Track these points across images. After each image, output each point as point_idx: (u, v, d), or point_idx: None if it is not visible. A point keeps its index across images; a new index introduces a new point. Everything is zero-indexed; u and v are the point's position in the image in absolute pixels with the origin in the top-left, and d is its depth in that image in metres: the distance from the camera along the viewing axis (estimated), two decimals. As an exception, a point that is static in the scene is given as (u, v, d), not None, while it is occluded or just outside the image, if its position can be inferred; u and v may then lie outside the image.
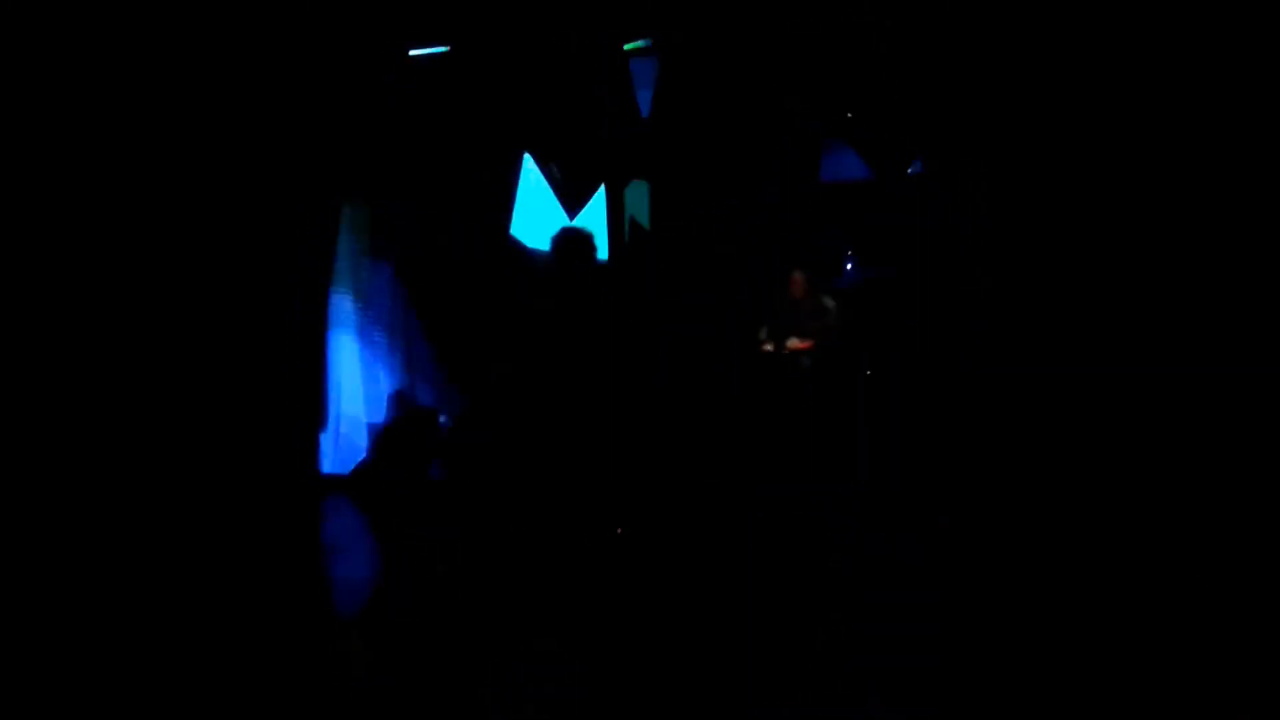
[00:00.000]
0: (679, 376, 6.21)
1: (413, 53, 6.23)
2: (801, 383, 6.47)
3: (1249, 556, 4.27)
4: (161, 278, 5.35)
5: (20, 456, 4.73)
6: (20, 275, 4.93)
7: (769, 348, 6.59)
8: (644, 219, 6.65)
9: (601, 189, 6.67)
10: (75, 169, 5.07)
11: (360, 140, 6.10)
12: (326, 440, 6.36)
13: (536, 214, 6.65)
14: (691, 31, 6.32)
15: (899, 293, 6.66)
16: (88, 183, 5.11)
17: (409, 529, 5.46)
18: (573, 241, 6.26)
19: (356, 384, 6.49)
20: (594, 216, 6.65)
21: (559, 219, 6.58)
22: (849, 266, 7.04)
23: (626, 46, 6.48)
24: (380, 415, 6.47)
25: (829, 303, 6.65)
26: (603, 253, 6.57)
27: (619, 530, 5.27)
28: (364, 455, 6.40)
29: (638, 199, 6.68)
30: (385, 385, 6.53)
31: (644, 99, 6.51)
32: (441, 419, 6.53)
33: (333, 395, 6.39)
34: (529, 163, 6.61)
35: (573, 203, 6.58)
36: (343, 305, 6.43)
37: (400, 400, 6.53)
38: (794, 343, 6.56)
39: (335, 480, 6.27)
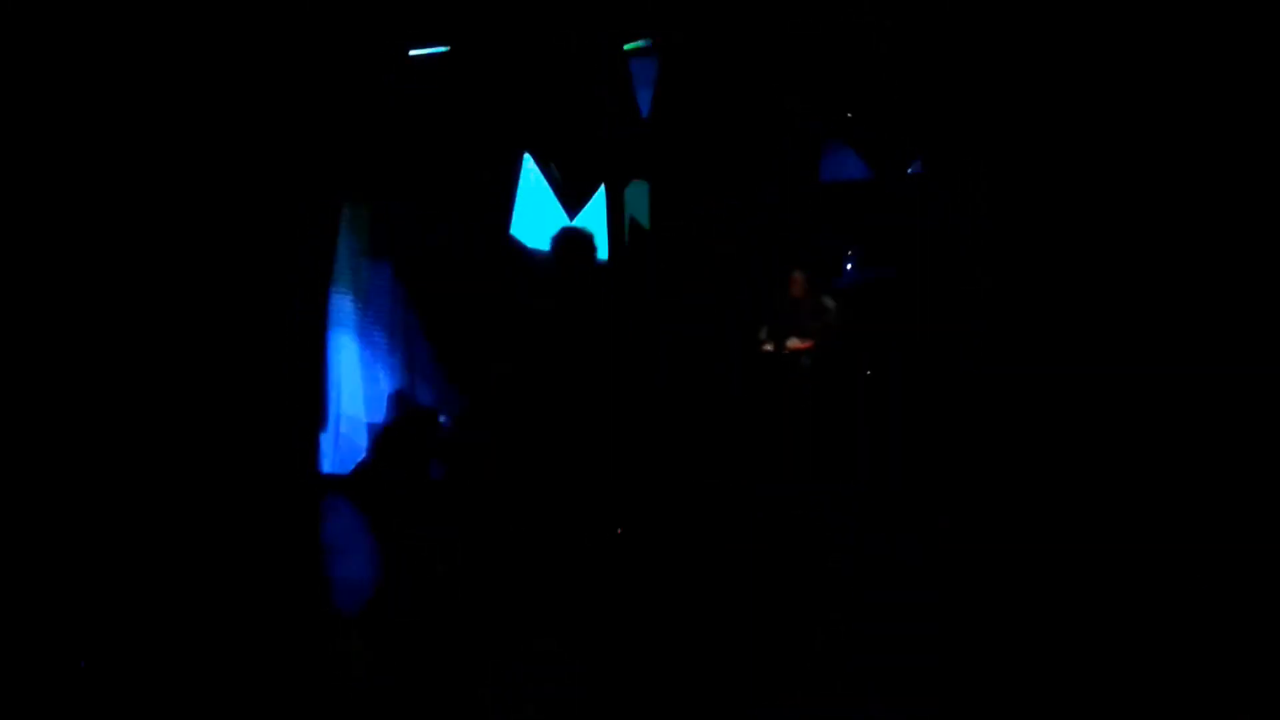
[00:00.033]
0: (679, 376, 6.21)
1: (413, 53, 6.23)
2: (801, 383, 6.46)
3: (1249, 556, 4.27)
4: (162, 278, 5.36)
5: (21, 456, 4.74)
6: (21, 275, 4.93)
7: (769, 348, 6.59)
8: (644, 219, 6.65)
9: (601, 189, 6.66)
10: (76, 169, 5.08)
11: (360, 140, 6.10)
12: (326, 440, 6.35)
13: (536, 214, 6.65)
14: (691, 31, 6.32)
15: (899, 293, 6.65)
16: (88, 183, 5.11)
17: (409, 529, 5.45)
18: (573, 241, 6.27)
19: (356, 384, 6.48)
20: (594, 216, 6.64)
21: (559, 219, 6.57)
22: (849, 266, 7.03)
23: (626, 46, 6.48)
24: (380, 415, 6.47)
25: (829, 303, 6.65)
26: (603, 253, 6.57)
27: (619, 530, 5.27)
28: (364, 455, 6.40)
29: (638, 199, 6.67)
30: (385, 385, 6.53)
31: (644, 99, 6.51)
32: (441, 419, 6.53)
33: (333, 395, 6.38)
34: (529, 163, 6.61)
35: (573, 203, 6.58)
36: (343, 305, 6.42)
37: (400, 400, 6.52)
38: (794, 343, 6.56)
39: (335, 480, 6.26)
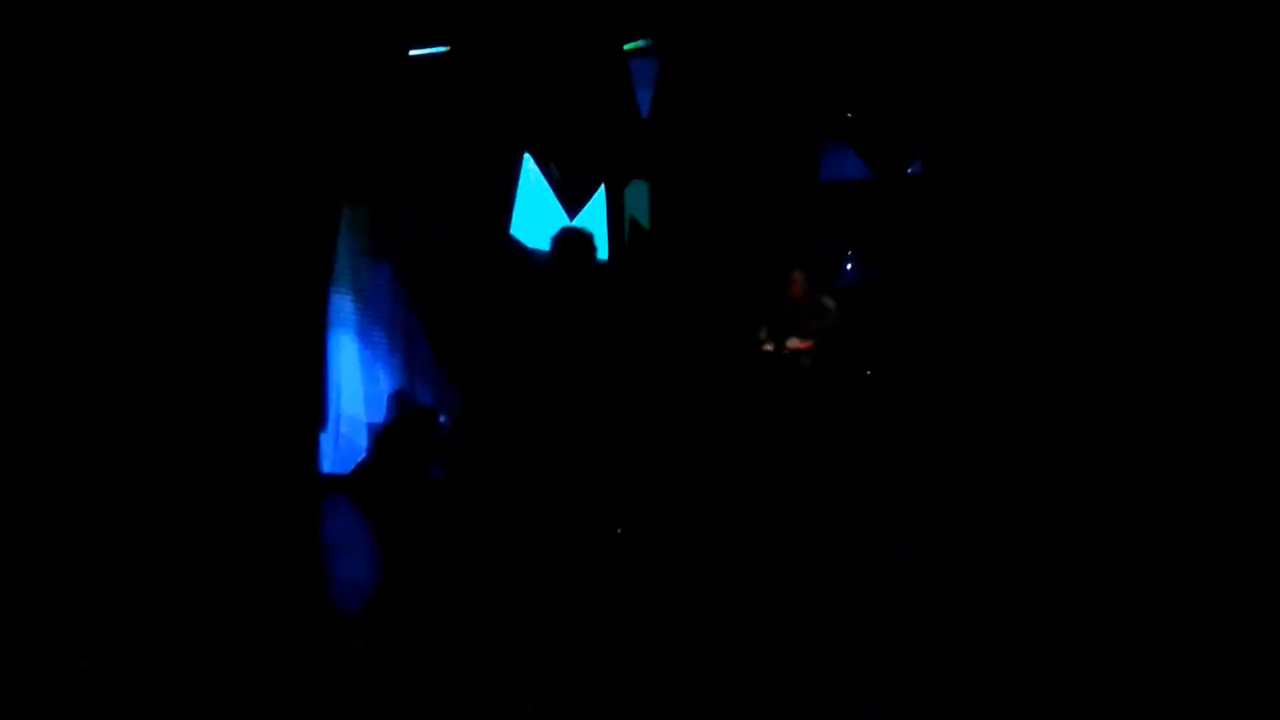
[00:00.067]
0: (679, 376, 6.21)
1: (413, 53, 6.23)
2: (801, 383, 6.47)
3: (1249, 556, 4.27)
4: (162, 278, 5.35)
5: (21, 456, 4.74)
6: (21, 275, 4.93)
7: (769, 348, 6.59)
8: (644, 219, 6.65)
9: (602, 189, 6.66)
10: (76, 169, 5.08)
11: (360, 140, 6.10)
12: (326, 440, 6.35)
13: (537, 214, 6.65)
14: (691, 31, 6.32)
15: (899, 293, 6.65)
16: (88, 183, 5.11)
17: (409, 529, 5.45)
18: (573, 241, 6.26)
19: (356, 384, 6.48)
20: (594, 216, 6.64)
21: (559, 219, 6.57)
22: (849, 266, 7.04)
23: (626, 47, 6.48)
24: (380, 415, 6.47)
25: (829, 303, 6.65)
26: (603, 253, 6.57)
27: (619, 530, 5.27)
28: (364, 455, 6.40)
29: (638, 199, 6.67)
30: (385, 385, 6.53)
31: (644, 99, 6.51)
32: (441, 419, 6.53)
33: (333, 395, 6.38)
34: (529, 163, 6.61)
35: (573, 203, 6.58)
36: (343, 305, 6.42)
37: (400, 400, 6.53)
38: (794, 343, 6.56)
39: (335, 480, 6.26)
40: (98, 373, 5.09)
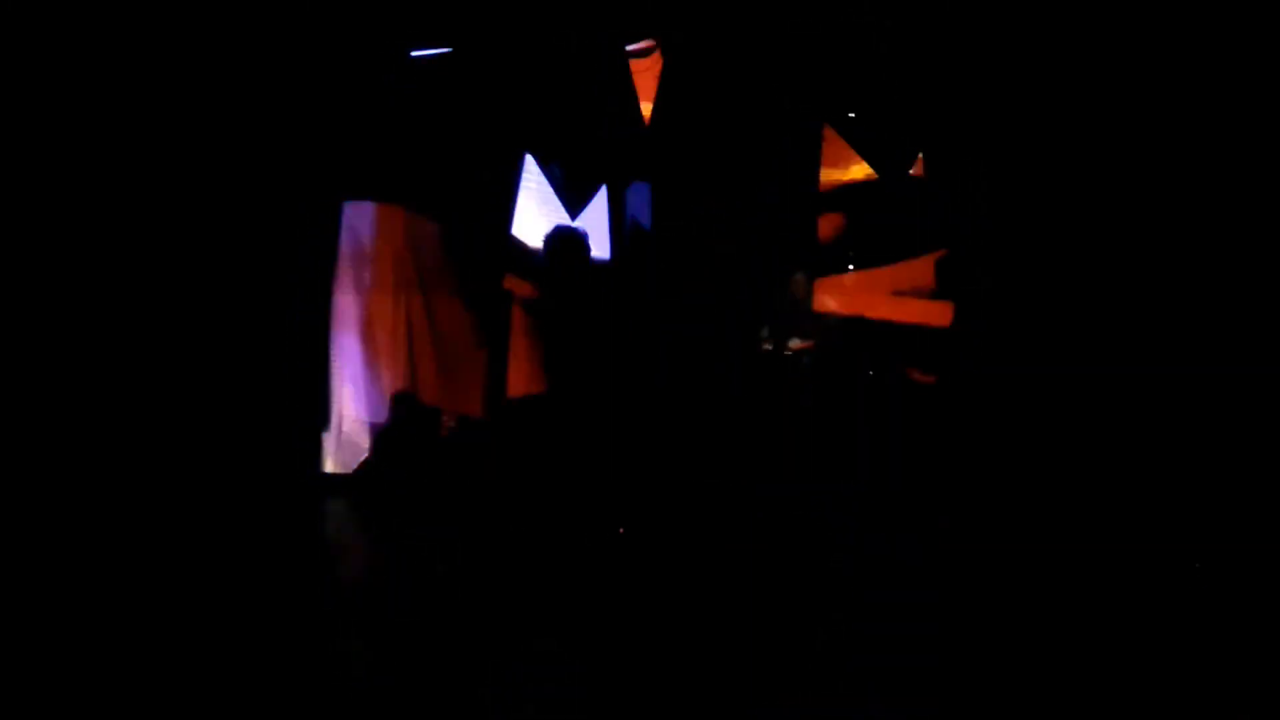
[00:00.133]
0: (679, 376, 6.21)
1: (414, 54, 6.23)
2: (801, 383, 6.46)
3: (1249, 556, 4.27)
4: (162, 278, 5.36)
5: (21, 455, 4.74)
6: (21, 275, 4.93)
7: (769, 348, 6.59)
8: (644, 219, 6.65)
9: (602, 189, 6.66)
10: (76, 169, 5.08)
11: (360, 140, 6.10)
12: (328, 440, 6.35)
13: (537, 214, 6.64)
14: (691, 31, 6.32)
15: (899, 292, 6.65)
16: (89, 183, 5.11)
17: (409, 529, 5.45)
18: (567, 241, 6.28)
19: (358, 384, 6.47)
20: (594, 216, 6.64)
21: (560, 219, 6.57)
22: (849, 267, 7.03)
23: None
24: (381, 415, 6.47)
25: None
26: (602, 252, 6.57)
27: (619, 530, 5.27)
28: (366, 455, 6.39)
29: (638, 199, 6.67)
30: (386, 385, 6.52)
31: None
32: (441, 419, 6.53)
33: (333, 395, 6.38)
34: (529, 163, 6.61)
35: (573, 203, 6.58)
36: (343, 305, 6.42)
37: (401, 400, 6.52)
38: (794, 343, 6.56)
39: (335, 480, 6.26)
40: (98, 373, 5.10)
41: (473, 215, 6.52)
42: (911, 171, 6.63)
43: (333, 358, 6.35)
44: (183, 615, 3.83)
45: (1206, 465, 4.95)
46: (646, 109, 6.55)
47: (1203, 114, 5.26)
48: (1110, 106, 5.48)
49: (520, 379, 6.51)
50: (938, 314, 6.41)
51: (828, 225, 6.79)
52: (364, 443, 6.42)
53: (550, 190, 6.58)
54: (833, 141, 6.70)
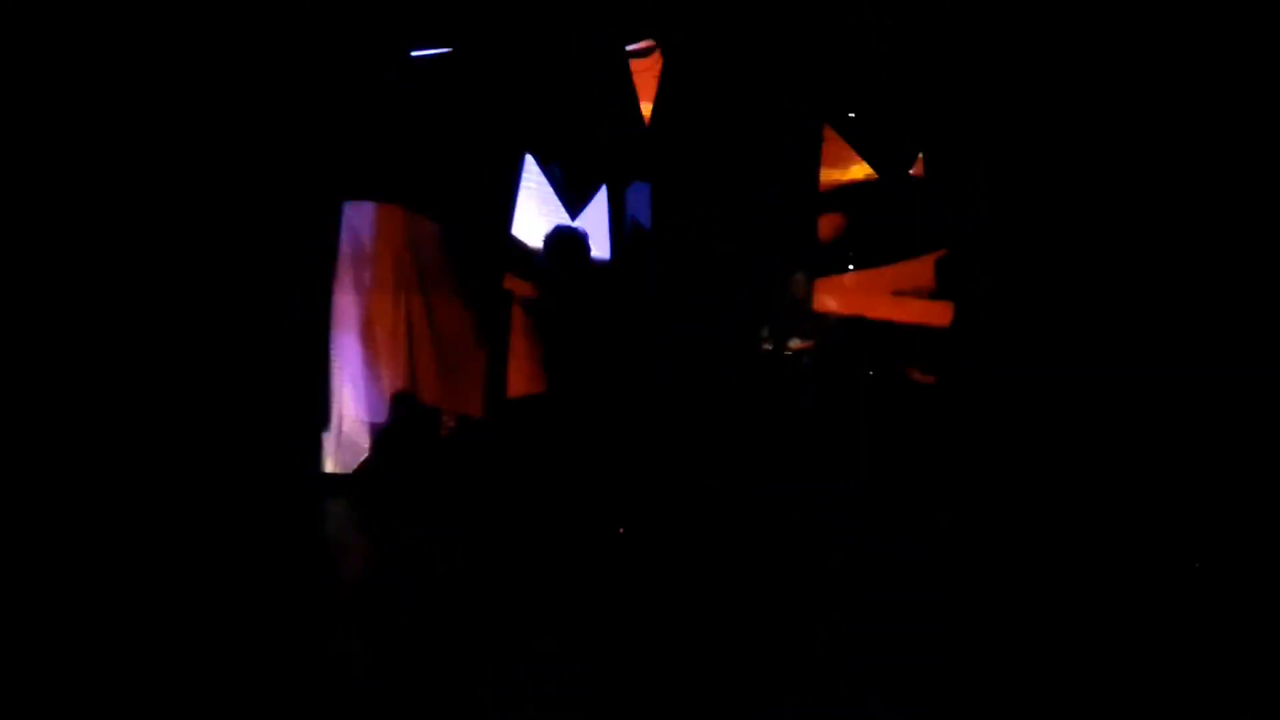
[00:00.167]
0: (679, 376, 6.21)
1: (414, 54, 6.23)
2: (801, 383, 6.47)
3: (1249, 556, 4.27)
4: (162, 278, 5.36)
5: (21, 455, 4.74)
6: (21, 275, 4.93)
7: (769, 348, 6.59)
8: (644, 219, 6.65)
9: (602, 189, 6.66)
10: (76, 169, 5.08)
11: (360, 140, 6.10)
12: (328, 440, 6.35)
13: (537, 214, 6.64)
14: (691, 31, 6.32)
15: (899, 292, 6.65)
16: (89, 183, 5.11)
17: (409, 529, 5.45)
18: (565, 241, 6.28)
19: (358, 384, 6.47)
20: (594, 216, 6.64)
21: (560, 219, 6.57)
22: (850, 267, 7.03)
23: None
24: (381, 415, 6.47)
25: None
26: (601, 252, 6.57)
27: (619, 530, 5.27)
28: (366, 455, 6.39)
29: (638, 199, 6.67)
30: (386, 385, 6.52)
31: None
32: (441, 419, 6.53)
33: (333, 395, 6.38)
34: (529, 163, 6.61)
35: (574, 203, 6.58)
36: (343, 305, 6.42)
37: (401, 400, 6.52)
38: (794, 343, 6.56)
39: (335, 480, 6.26)
40: (98, 373, 5.10)
41: (473, 215, 6.52)
42: (911, 171, 6.63)
43: (333, 358, 6.35)
44: (183, 615, 3.83)
45: (1206, 465, 4.95)
46: (646, 109, 6.55)
47: (1203, 114, 5.26)
48: (1110, 106, 5.48)
49: (520, 379, 6.51)
50: (938, 314, 6.42)
51: (828, 225, 6.79)
52: (364, 443, 6.42)
53: (550, 190, 6.58)
54: (833, 141, 6.70)
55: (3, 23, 4.85)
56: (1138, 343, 5.33)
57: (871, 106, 6.44)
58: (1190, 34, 5.23)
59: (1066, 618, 3.87)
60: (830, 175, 6.75)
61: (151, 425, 5.22)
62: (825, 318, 6.64)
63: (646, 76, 6.55)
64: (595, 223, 6.60)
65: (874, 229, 6.71)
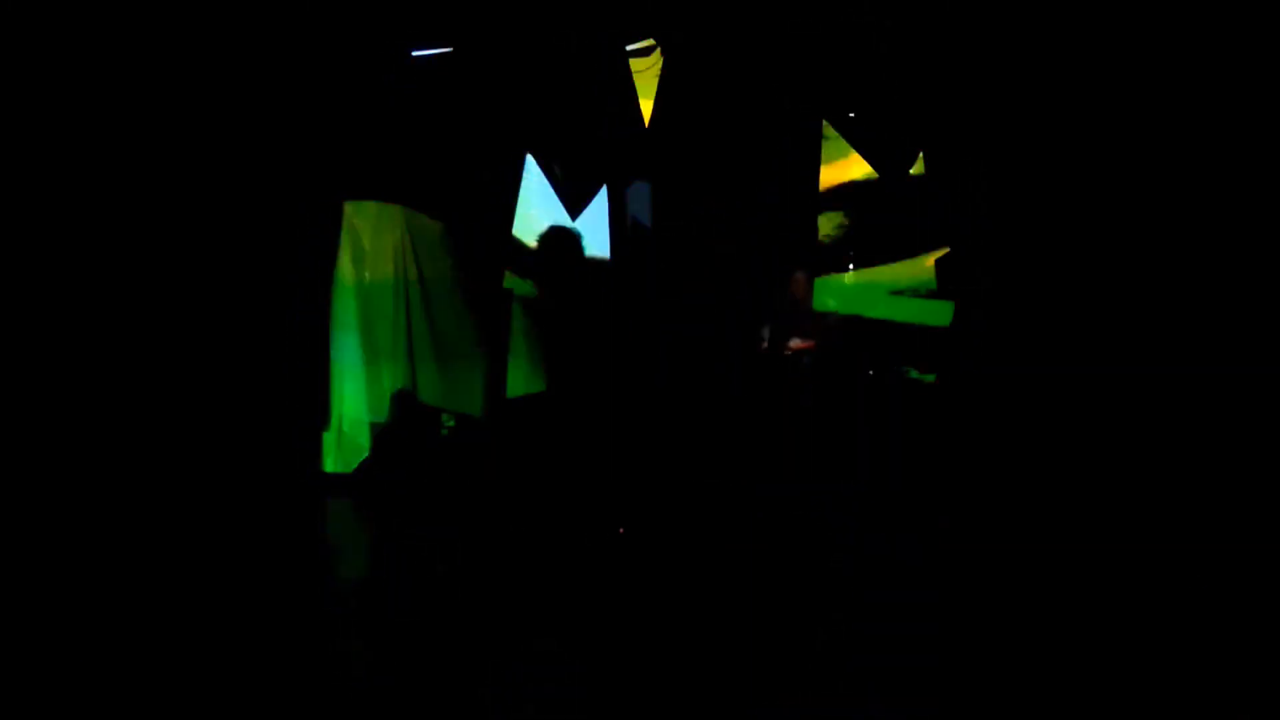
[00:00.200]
0: (679, 376, 6.21)
1: (415, 54, 6.23)
2: (801, 383, 6.47)
3: (1249, 556, 4.27)
4: (163, 278, 5.36)
5: (21, 455, 4.74)
6: (21, 275, 4.93)
7: (769, 347, 6.59)
8: (644, 219, 6.65)
9: (603, 189, 6.66)
10: (76, 169, 5.08)
11: (360, 140, 6.10)
12: (329, 439, 6.35)
13: (538, 214, 6.65)
14: (691, 31, 6.32)
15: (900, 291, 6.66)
16: (89, 183, 5.11)
17: (409, 529, 5.46)
18: (563, 241, 6.28)
19: (358, 383, 6.48)
20: (594, 216, 6.64)
21: (560, 219, 6.58)
22: (850, 267, 7.03)
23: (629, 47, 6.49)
24: (382, 415, 6.47)
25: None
26: (600, 251, 6.57)
27: (619, 530, 5.27)
28: (366, 455, 6.40)
29: (638, 199, 6.67)
30: (386, 385, 6.52)
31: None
32: (442, 419, 6.53)
33: (334, 394, 6.38)
34: (530, 163, 6.61)
35: (573, 202, 6.58)
36: (343, 305, 6.42)
37: (401, 400, 6.52)
38: (794, 343, 6.56)
39: (336, 480, 6.26)
40: (98, 373, 5.10)
41: (473, 215, 6.53)
42: (911, 171, 6.63)
43: (333, 358, 6.35)
44: (183, 615, 3.83)
45: (1207, 465, 4.95)
46: (646, 109, 6.55)
47: (1203, 114, 5.26)
48: (1110, 106, 5.48)
49: (520, 379, 6.51)
50: (938, 314, 6.42)
51: (828, 225, 6.79)
52: (364, 443, 6.42)
53: (550, 190, 6.59)
54: (833, 141, 6.70)
55: (3, 23, 4.85)
56: (1138, 343, 5.32)
57: (871, 106, 6.43)
58: (1190, 34, 5.22)
59: (1067, 618, 3.87)
60: (831, 175, 6.75)
61: (151, 425, 5.22)
62: (825, 317, 6.64)
63: (646, 76, 6.55)
64: (595, 223, 6.61)
65: (874, 229, 6.71)
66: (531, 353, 6.52)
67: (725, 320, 6.41)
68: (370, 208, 6.42)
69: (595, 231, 6.56)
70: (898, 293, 6.63)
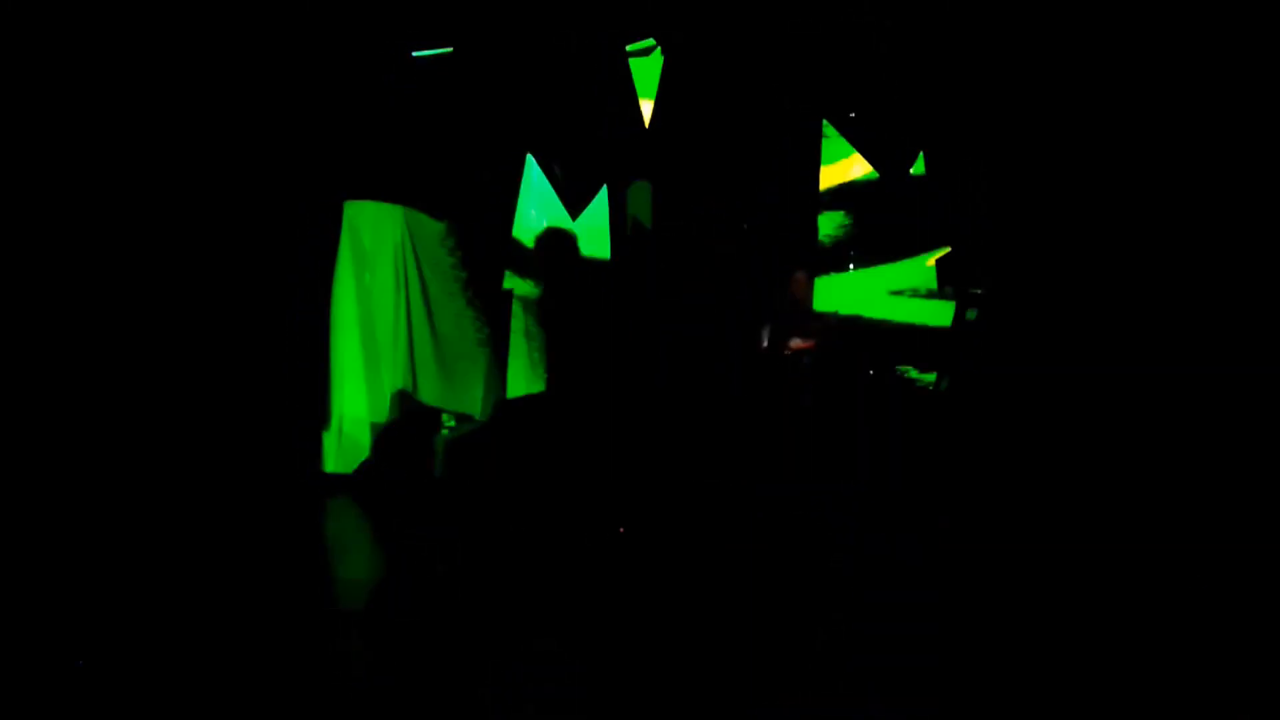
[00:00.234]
0: (679, 376, 6.21)
1: (415, 54, 6.23)
2: (801, 383, 6.46)
3: (1249, 556, 4.27)
4: (163, 278, 5.36)
5: (22, 454, 4.74)
6: (22, 275, 4.94)
7: (769, 347, 6.59)
8: (644, 219, 6.66)
9: (604, 189, 6.66)
10: (77, 169, 5.08)
11: (360, 140, 6.10)
12: (329, 439, 6.35)
13: (538, 214, 6.65)
14: (691, 31, 6.32)
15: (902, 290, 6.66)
16: (90, 183, 5.12)
17: (409, 529, 5.46)
18: (561, 241, 6.28)
19: (358, 383, 6.47)
20: (595, 216, 6.64)
21: (560, 219, 6.58)
22: (850, 267, 7.03)
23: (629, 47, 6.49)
24: (382, 415, 6.46)
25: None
26: (600, 252, 6.57)
27: (619, 530, 5.27)
28: (367, 455, 6.39)
29: (638, 199, 6.67)
30: (387, 385, 6.52)
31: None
32: (442, 419, 6.53)
33: (334, 394, 6.38)
34: (531, 163, 6.61)
35: (573, 202, 6.58)
36: (343, 305, 6.42)
37: (401, 400, 6.52)
38: (794, 343, 6.56)
39: (336, 480, 6.26)
40: (99, 372, 5.10)
41: (473, 215, 6.53)
42: (911, 171, 6.63)
43: (333, 358, 6.35)
44: (184, 615, 3.83)
45: (1206, 465, 4.95)
46: (647, 109, 6.56)
47: (1203, 114, 5.26)
48: (1110, 106, 5.48)
49: (520, 379, 6.51)
50: (938, 314, 6.42)
51: (828, 225, 6.79)
52: (364, 443, 6.42)
53: (550, 190, 6.59)
54: (833, 141, 6.70)
55: (3, 23, 4.85)
56: (1138, 343, 5.33)
57: (871, 106, 6.44)
58: (1190, 34, 5.23)
59: (1066, 617, 3.87)
60: (831, 175, 6.75)
61: (152, 425, 5.22)
62: (825, 317, 6.63)
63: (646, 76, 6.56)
64: (595, 223, 6.61)
65: (874, 229, 6.71)
66: (531, 353, 6.51)
67: (725, 320, 6.41)
68: (370, 208, 6.41)
69: (595, 231, 6.56)
70: (898, 293, 6.63)
